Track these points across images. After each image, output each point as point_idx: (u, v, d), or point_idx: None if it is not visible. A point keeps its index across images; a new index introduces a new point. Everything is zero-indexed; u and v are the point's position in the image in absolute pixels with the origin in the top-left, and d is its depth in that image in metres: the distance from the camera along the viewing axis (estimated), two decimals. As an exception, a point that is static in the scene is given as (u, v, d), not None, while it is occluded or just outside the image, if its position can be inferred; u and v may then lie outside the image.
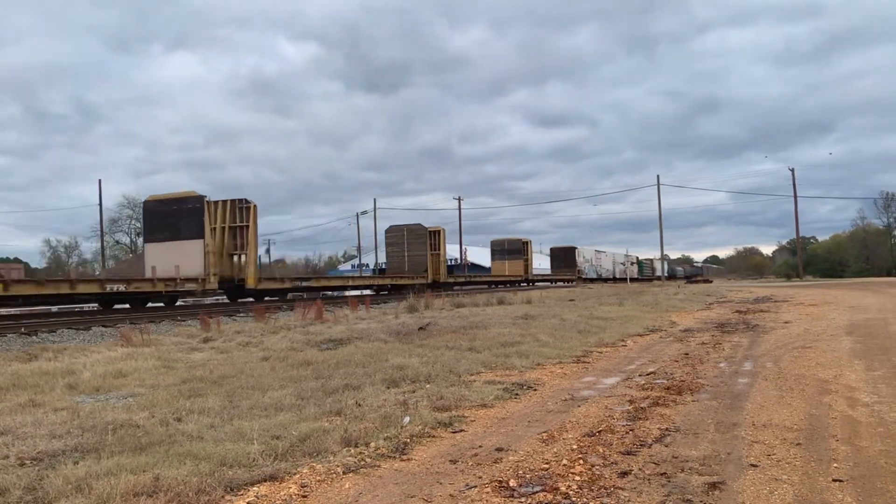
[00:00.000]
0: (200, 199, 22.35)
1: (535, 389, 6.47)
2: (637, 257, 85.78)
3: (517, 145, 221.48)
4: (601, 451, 4.18)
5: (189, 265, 21.24)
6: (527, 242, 53.84)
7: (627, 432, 4.64)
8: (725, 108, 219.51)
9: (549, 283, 56.78)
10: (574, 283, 57.50)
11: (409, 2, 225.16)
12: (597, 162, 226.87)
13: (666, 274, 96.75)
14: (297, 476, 3.78)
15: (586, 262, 65.01)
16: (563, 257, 63.44)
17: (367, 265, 76.89)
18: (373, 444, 4.38)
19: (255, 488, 3.59)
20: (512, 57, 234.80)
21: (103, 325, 14.57)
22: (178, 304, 23.32)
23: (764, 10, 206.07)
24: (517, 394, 6.22)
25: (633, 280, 72.33)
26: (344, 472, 3.85)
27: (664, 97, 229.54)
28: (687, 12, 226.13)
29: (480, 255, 73.63)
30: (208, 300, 26.47)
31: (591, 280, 64.21)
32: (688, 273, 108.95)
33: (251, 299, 23.93)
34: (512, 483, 3.57)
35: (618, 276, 74.00)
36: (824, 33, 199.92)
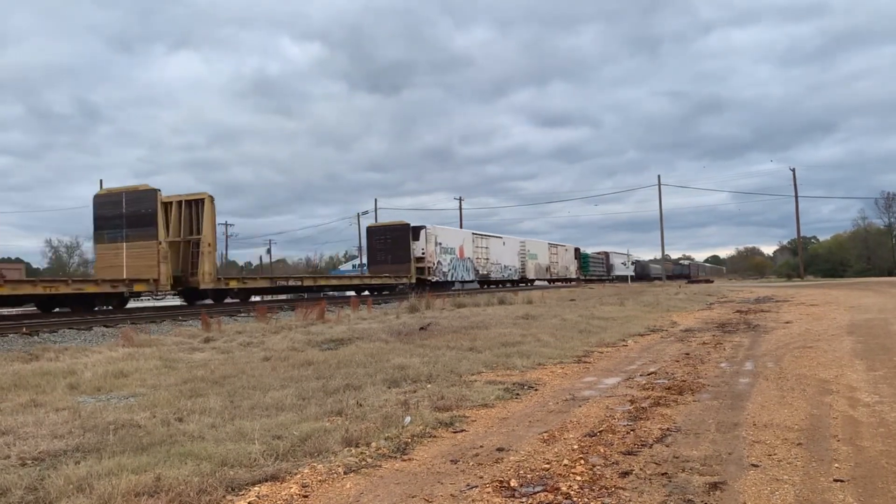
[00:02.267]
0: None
1: (537, 389, 6.47)
2: (578, 249, 61.43)
3: (519, 146, 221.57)
4: (602, 451, 4.18)
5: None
6: (197, 200, 21.61)
7: (628, 432, 4.64)
8: (728, 109, 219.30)
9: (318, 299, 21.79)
10: (404, 289, 31.65)
11: (413, 2, 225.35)
12: (599, 162, 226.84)
13: (632, 273, 78.33)
14: (299, 476, 3.78)
15: (447, 255, 36.75)
16: (391, 245, 34.14)
17: (367, 265, 76.44)
18: (374, 444, 4.38)
19: (256, 488, 3.59)
20: (515, 57, 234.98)
21: (104, 326, 14.58)
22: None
23: (768, 9, 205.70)
24: (518, 394, 6.22)
25: (553, 282, 52.96)
26: (345, 472, 3.85)
27: (667, 98, 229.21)
28: (691, 12, 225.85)
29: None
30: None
31: (467, 284, 39.46)
32: (670, 273, 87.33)
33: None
34: (513, 483, 3.57)
35: (532, 276, 49.47)
36: (827, 33, 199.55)
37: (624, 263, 78.45)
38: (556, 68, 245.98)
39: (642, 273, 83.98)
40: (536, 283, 50.53)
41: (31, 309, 20.15)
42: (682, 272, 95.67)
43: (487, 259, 42.86)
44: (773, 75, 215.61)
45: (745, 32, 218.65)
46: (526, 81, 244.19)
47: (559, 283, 53.96)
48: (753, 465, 3.81)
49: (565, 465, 3.88)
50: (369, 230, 36.67)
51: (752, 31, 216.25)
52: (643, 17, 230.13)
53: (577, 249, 61.26)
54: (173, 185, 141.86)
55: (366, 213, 76.30)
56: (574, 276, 58.78)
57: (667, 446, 4.26)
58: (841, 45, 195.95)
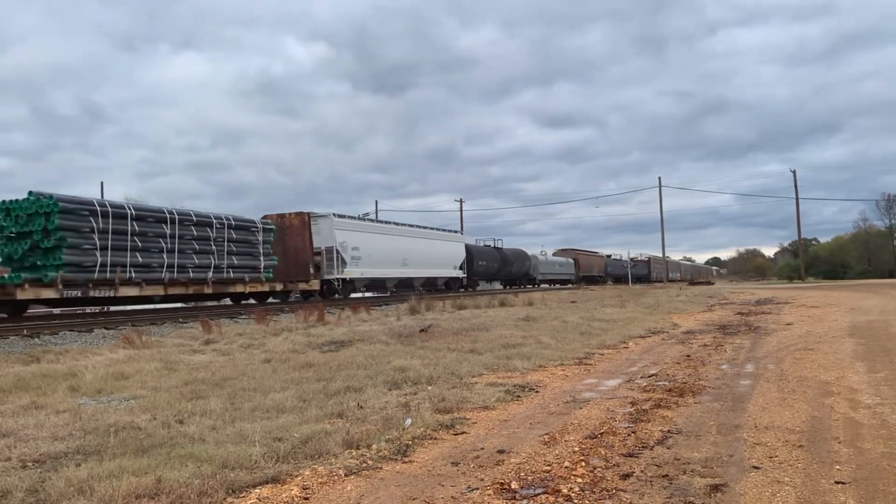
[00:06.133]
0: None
1: (537, 391, 6.46)
2: (211, 216, 19.49)
3: (523, 146, 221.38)
4: (603, 452, 4.17)
5: None
6: None
7: (629, 434, 4.63)
8: (733, 109, 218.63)
9: None
10: None
11: (420, 2, 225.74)
12: (603, 163, 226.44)
13: (461, 272, 36.18)
14: (299, 478, 3.78)
15: None
16: None
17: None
18: (374, 446, 4.38)
19: (256, 490, 3.59)
20: (520, 57, 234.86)
21: (105, 328, 14.56)
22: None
23: (775, 9, 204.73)
24: (519, 395, 6.21)
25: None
26: (346, 475, 3.85)
27: (672, 98, 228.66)
28: (698, 11, 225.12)
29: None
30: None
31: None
32: (612, 272, 60.67)
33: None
34: (513, 485, 3.57)
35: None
36: (834, 33, 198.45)
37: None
38: (561, 68, 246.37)
39: (518, 270, 45.38)
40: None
41: (32, 311, 20.13)
42: (638, 272, 63.55)
43: None
44: (778, 76, 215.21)
45: (752, 32, 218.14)
46: (531, 82, 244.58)
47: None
48: (754, 467, 3.81)
49: (566, 467, 3.87)
50: None
51: (758, 32, 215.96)
52: (651, 17, 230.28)
53: (213, 218, 19.89)
54: (176, 186, 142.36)
55: (366, 214, 76.30)
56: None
57: (668, 448, 4.26)
58: (847, 46, 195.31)
